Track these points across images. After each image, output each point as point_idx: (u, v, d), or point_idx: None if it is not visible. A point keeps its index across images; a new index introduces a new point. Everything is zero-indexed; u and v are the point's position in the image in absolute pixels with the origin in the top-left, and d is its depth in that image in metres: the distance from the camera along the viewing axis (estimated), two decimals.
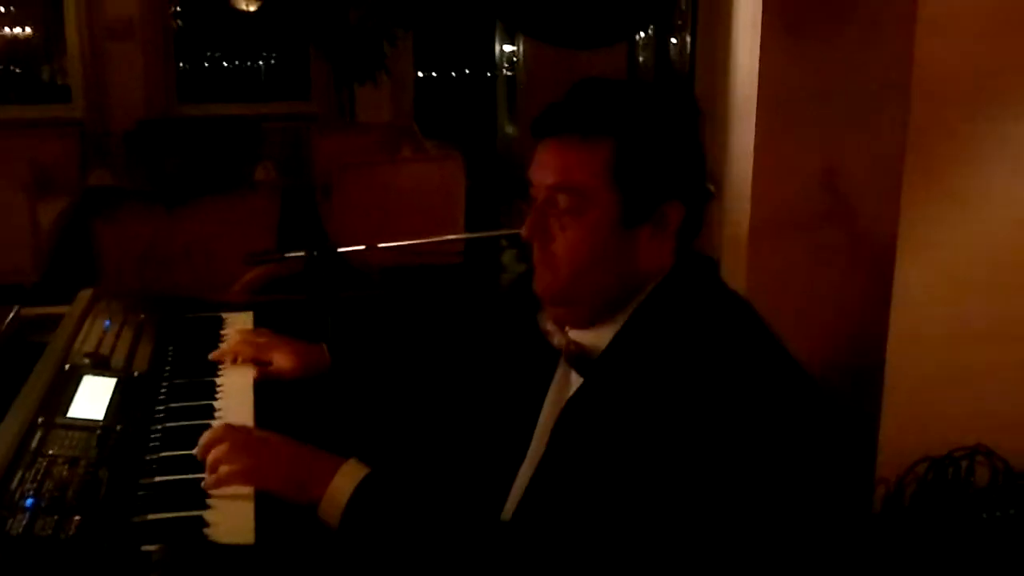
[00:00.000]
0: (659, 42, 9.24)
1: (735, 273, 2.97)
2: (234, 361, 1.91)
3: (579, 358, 1.46)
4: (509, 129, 9.71)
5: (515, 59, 9.23)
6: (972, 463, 2.40)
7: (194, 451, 1.50)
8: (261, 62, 10.02)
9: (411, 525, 1.36)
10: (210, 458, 1.45)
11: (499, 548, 1.31)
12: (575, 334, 1.47)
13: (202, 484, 1.43)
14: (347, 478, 1.39)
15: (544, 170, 1.40)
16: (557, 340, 1.50)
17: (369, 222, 5.34)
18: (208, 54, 9.81)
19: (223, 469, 1.43)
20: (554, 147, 1.39)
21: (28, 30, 8.66)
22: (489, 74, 10.77)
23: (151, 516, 1.36)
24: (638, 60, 9.68)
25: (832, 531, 1.38)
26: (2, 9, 8.57)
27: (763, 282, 2.86)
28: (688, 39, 5.29)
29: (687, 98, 1.87)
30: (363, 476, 1.39)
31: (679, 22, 5.84)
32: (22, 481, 1.34)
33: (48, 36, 8.51)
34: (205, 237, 4.89)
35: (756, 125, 2.82)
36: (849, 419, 1.43)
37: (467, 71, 12.49)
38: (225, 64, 9.97)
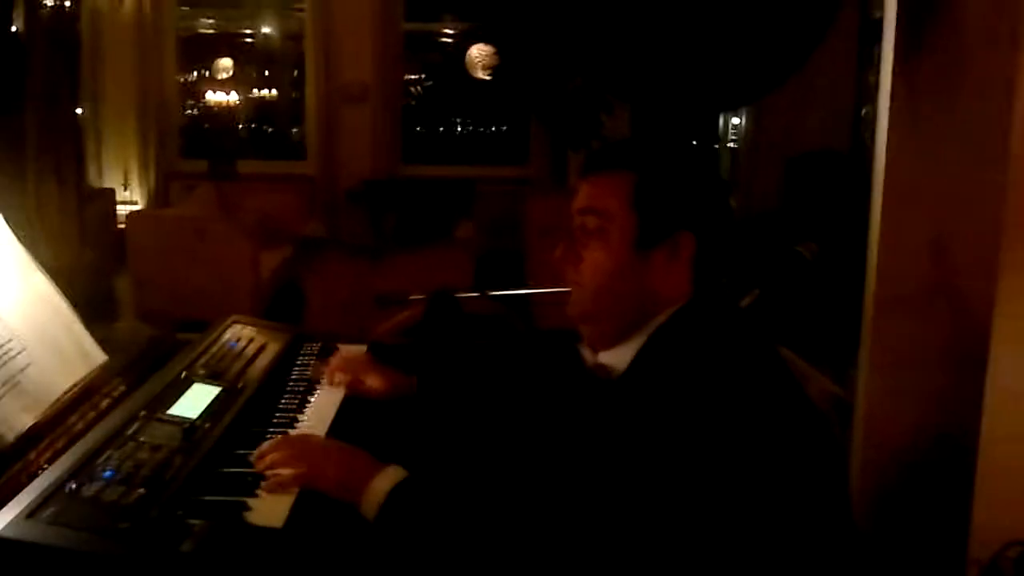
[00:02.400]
0: None
1: (864, 341, 2.99)
2: (331, 382, 2.15)
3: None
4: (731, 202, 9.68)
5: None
6: None
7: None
8: (494, 127, 10.48)
9: (440, 523, 1.52)
10: (265, 465, 1.68)
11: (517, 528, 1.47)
12: (602, 356, 1.64)
13: (258, 488, 1.63)
14: (386, 479, 1.59)
15: (578, 199, 1.62)
16: (590, 365, 1.66)
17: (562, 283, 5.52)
18: (443, 119, 10.36)
19: (282, 474, 1.65)
20: (589, 181, 1.63)
21: (275, 92, 9.51)
22: (716, 146, 10.83)
23: (205, 497, 1.59)
24: (863, 134, 9.54)
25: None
26: (255, 74, 9.46)
27: (879, 349, 2.88)
28: None
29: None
30: (401, 478, 1.59)
31: None
32: (109, 458, 1.60)
33: (294, 99, 9.32)
34: (399, 288, 5.23)
35: (884, 195, 2.86)
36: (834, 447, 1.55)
37: (693, 142, 12.58)
38: (458, 129, 10.50)
